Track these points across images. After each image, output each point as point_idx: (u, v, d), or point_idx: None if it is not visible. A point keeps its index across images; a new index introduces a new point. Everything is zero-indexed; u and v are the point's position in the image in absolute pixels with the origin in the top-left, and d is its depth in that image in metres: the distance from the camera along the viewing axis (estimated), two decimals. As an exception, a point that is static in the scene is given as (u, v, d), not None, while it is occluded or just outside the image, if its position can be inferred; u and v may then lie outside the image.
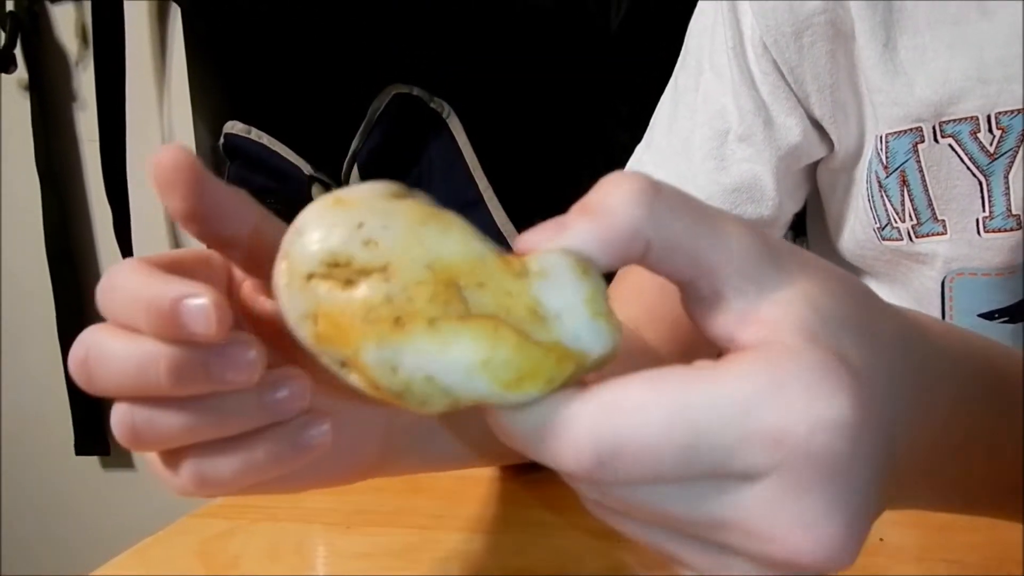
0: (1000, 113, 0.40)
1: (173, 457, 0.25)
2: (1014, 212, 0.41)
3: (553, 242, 0.19)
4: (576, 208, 0.20)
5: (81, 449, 1.18)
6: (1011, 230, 0.41)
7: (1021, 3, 0.39)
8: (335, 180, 1.07)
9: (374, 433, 0.31)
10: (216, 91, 1.09)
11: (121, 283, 0.23)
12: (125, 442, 0.24)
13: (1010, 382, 0.27)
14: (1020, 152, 0.40)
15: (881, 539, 0.36)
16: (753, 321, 0.19)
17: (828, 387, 0.17)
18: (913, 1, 0.41)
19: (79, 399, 1.16)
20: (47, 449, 1.21)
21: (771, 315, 0.19)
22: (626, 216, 0.19)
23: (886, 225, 0.45)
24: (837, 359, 0.18)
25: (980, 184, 0.41)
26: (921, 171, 0.43)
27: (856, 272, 0.49)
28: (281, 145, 1.05)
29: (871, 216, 0.45)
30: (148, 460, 0.26)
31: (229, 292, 0.28)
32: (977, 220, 0.42)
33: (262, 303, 0.27)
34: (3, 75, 1.08)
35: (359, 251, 0.19)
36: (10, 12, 1.08)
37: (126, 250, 1.08)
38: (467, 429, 0.36)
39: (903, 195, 0.44)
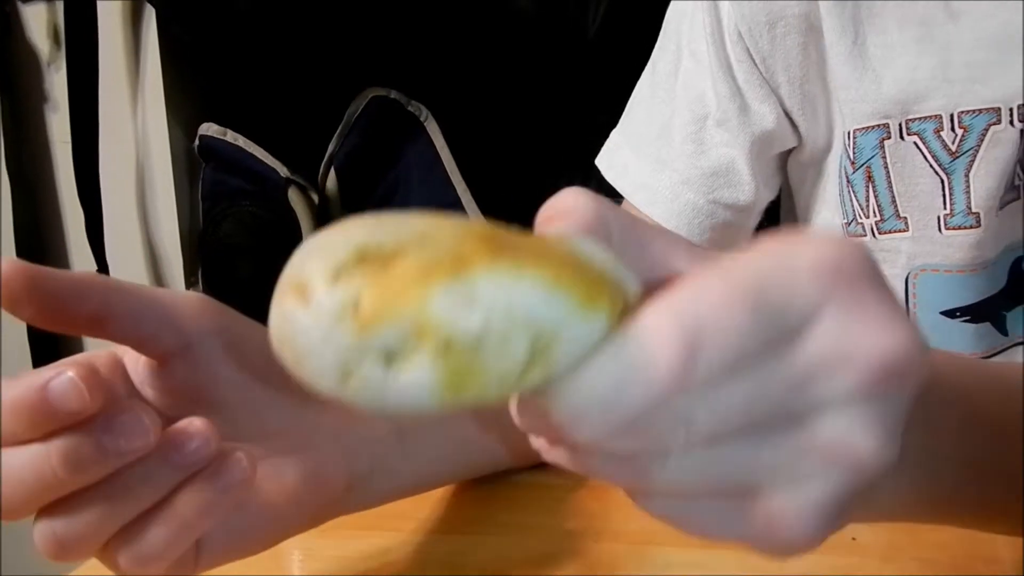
0: (963, 112, 0.41)
1: (106, 553, 0.24)
2: (974, 210, 0.42)
3: None
4: (541, 222, 0.20)
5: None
6: (971, 227, 0.42)
7: (986, 6, 0.40)
8: (312, 183, 1.07)
9: (336, 463, 0.31)
10: (191, 92, 1.08)
11: None
12: (54, 557, 0.24)
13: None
14: (980, 151, 0.41)
15: (853, 538, 0.37)
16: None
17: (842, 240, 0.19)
18: (882, 0, 0.42)
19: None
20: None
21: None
22: (588, 207, 0.19)
23: (851, 220, 0.46)
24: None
25: (942, 182, 0.42)
26: (886, 167, 0.44)
27: None
28: (257, 147, 1.05)
29: (843, 206, 0.46)
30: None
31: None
32: (938, 217, 0.43)
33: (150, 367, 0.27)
34: (-27, 75, 1.07)
35: (388, 237, 0.17)
36: (-19, 12, 1.07)
37: (98, 253, 1.07)
38: (442, 443, 0.37)
39: (868, 191, 0.45)
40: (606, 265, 0.18)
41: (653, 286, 0.18)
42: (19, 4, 1.09)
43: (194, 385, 0.28)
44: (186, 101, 1.08)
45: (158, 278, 1.11)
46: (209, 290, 1.12)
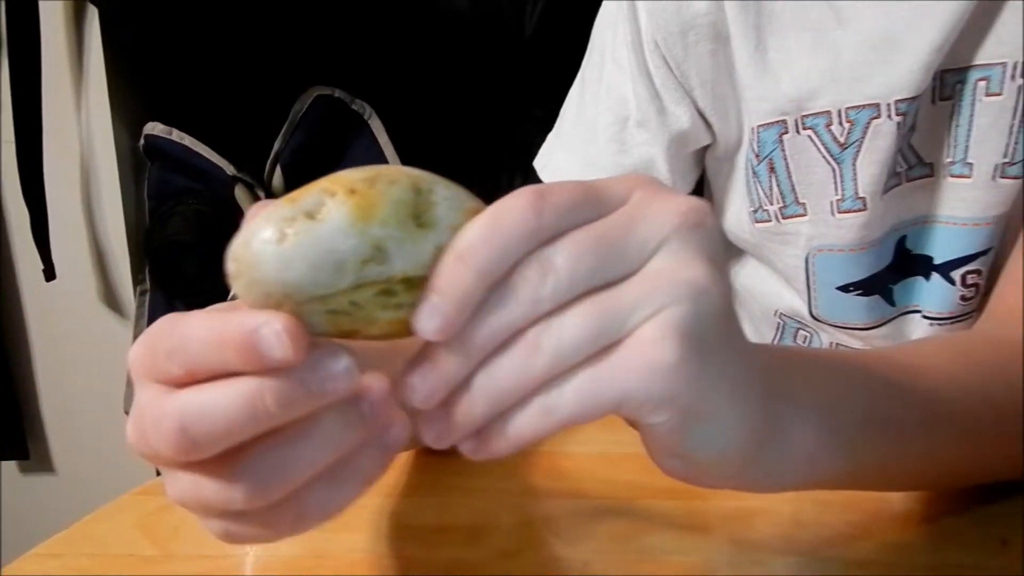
0: (848, 108, 0.45)
1: (283, 506, 0.24)
2: (861, 195, 0.46)
3: None
4: None
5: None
6: (859, 210, 0.47)
7: (869, 13, 0.45)
8: (258, 180, 1.08)
9: None
10: (135, 92, 1.09)
11: (186, 332, 0.23)
12: (247, 503, 0.23)
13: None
14: (864, 142, 0.45)
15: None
16: None
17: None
18: (780, 8, 0.47)
19: (-5, 404, 1.15)
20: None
21: None
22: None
23: (758, 208, 0.51)
24: None
25: (833, 171, 0.47)
26: (785, 159, 0.48)
27: (732, 252, 0.55)
28: (203, 146, 1.06)
29: (752, 196, 0.51)
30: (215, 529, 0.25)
31: None
32: (831, 202, 0.48)
33: None
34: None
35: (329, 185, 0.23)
36: (-82, 11, 1.06)
37: (44, 252, 1.07)
38: None
39: (771, 181, 0.49)
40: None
41: None
42: (-43, 4, 1.08)
43: None
44: (131, 100, 1.09)
45: (104, 277, 1.12)
46: (156, 288, 1.12)
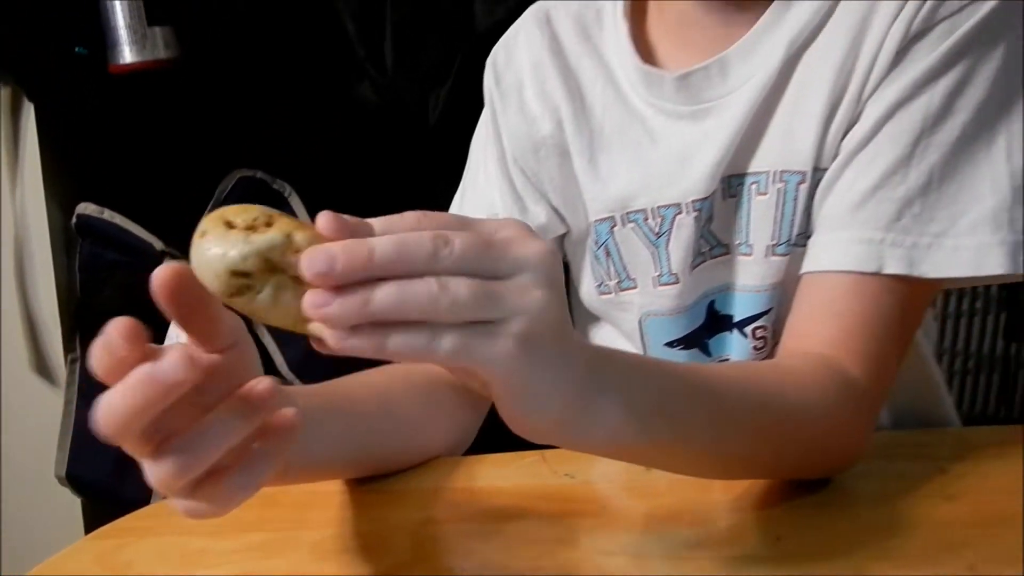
0: (659, 207, 0.59)
1: (212, 483, 0.34)
2: (674, 271, 0.59)
3: None
4: None
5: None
6: (674, 283, 0.60)
7: (673, 133, 0.58)
8: (184, 253, 1.17)
9: None
10: (68, 174, 1.17)
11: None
12: (161, 487, 0.34)
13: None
14: (672, 232, 0.59)
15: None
16: None
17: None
18: (608, 131, 0.61)
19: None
20: None
21: None
22: None
23: (601, 283, 0.63)
24: None
25: (652, 254, 0.60)
26: (617, 246, 0.61)
27: (592, 317, 0.68)
28: (133, 224, 1.14)
29: (596, 274, 0.64)
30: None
31: None
32: (653, 278, 0.60)
33: None
34: None
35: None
36: None
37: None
38: (347, 430, 0.49)
39: (608, 263, 0.62)
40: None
41: None
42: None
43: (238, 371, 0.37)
44: (64, 182, 1.17)
45: (37, 347, 1.18)
46: (86, 356, 1.19)
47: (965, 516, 0.47)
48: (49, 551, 0.55)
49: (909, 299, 0.52)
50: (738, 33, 0.56)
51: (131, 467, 1.09)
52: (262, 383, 0.35)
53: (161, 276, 0.35)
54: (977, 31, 0.50)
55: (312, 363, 1.10)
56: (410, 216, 0.33)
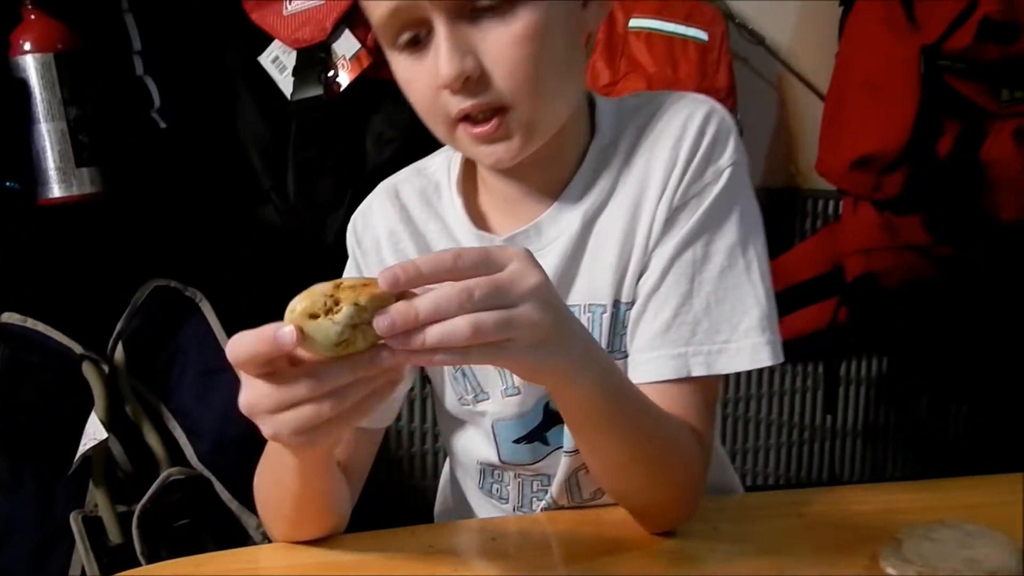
0: None
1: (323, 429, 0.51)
2: (516, 385, 0.74)
3: None
4: None
5: None
6: (516, 394, 0.74)
7: None
8: (102, 356, 1.29)
9: None
10: None
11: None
12: (291, 436, 0.52)
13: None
14: None
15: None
16: None
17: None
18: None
19: None
20: None
21: None
22: None
23: (461, 397, 0.77)
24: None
25: (499, 371, 0.70)
26: (471, 368, 0.75)
27: (456, 422, 0.81)
28: (54, 330, 1.25)
29: (456, 390, 0.77)
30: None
31: None
32: (501, 390, 0.73)
33: None
34: None
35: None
36: None
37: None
38: None
39: (464, 381, 0.76)
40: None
41: None
42: None
43: None
44: None
45: (-43, 445, 1.26)
46: (3, 455, 1.28)
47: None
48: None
49: (710, 389, 0.71)
50: (546, 205, 0.73)
51: (48, 557, 1.23)
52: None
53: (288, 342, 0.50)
54: (718, 199, 0.70)
55: (221, 455, 1.24)
56: (448, 256, 0.50)
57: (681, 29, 1.33)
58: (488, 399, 0.76)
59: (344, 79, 1.19)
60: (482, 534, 0.76)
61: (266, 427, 0.53)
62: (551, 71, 0.65)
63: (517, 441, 0.76)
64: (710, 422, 0.72)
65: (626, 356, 0.73)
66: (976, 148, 1.37)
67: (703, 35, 1.34)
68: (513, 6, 0.63)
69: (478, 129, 0.65)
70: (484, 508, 0.82)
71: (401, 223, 0.76)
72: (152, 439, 1.26)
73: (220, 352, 1.31)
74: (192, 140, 1.27)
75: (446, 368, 0.77)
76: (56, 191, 1.15)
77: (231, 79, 1.26)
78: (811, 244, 1.56)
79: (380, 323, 0.48)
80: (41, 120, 1.12)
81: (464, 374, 0.76)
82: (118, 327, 1.29)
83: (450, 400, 0.79)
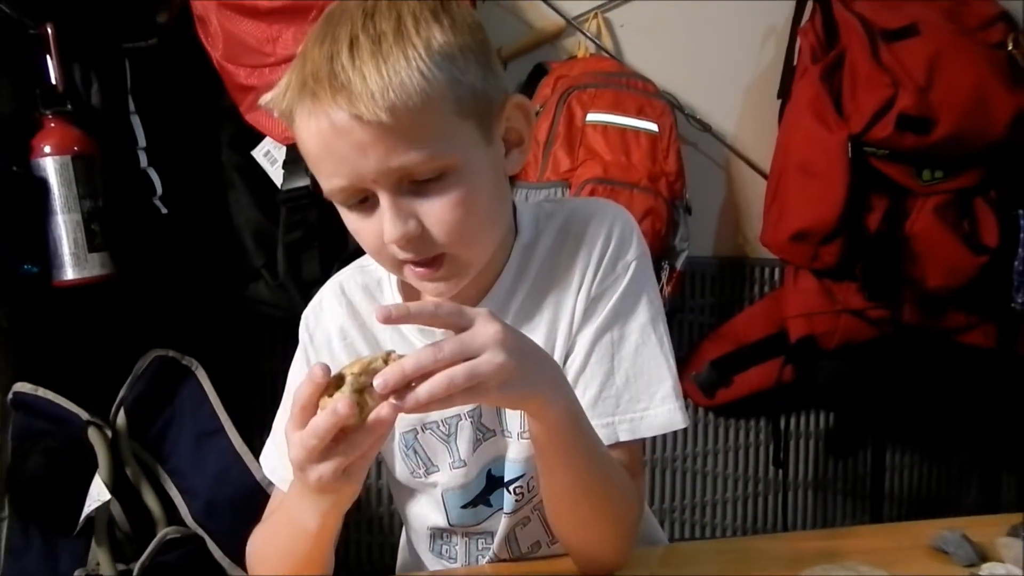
0: (445, 419, 0.80)
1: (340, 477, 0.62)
2: (462, 458, 0.80)
3: None
4: None
5: None
6: (463, 466, 0.80)
7: None
8: (106, 422, 1.39)
9: None
10: (7, 360, 1.38)
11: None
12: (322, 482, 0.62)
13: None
14: (457, 432, 0.80)
15: None
16: None
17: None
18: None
19: None
20: None
21: None
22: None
23: (413, 471, 0.82)
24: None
25: (446, 447, 0.81)
26: (422, 446, 0.81)
27: (408, 492, 0.86)
28: (62, 398, 1.35)
29: (408, 465, 0.83)
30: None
31: None
32: (448, 463, 0.81)
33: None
34: None
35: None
36: None
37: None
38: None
39: (416, 458, 0.82)
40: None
41: None
42: None
43: None
44: (3, 364, 1.38)
45: (-31, 507, 1.36)
46: (13, 516, 1.37)
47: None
48: None
49: (635, 452, 0.81)
50: (479, 296, 0.80)
51: None
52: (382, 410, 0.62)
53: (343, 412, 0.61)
54: (628, 287, 0.80)
55: (214, 514, 1.34)
56: (429, 304, 0.63)
57: (634, 122, 1.48)
58: (438, 471, 0.83)
59: (329, 171, 1.32)
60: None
61: (312, 475, 0.63)
62: (482, 222, 0.74)
63: (464, 507, 0.84)
64: (639, 488, 0.81)
65: None
66: (901, 222, 1.51)
67: (654, 127, 1.49)
68: (446, 178, 0.70)
69: (421, 270, 0.74)
70: (436, 567, 0.90)
71: (349, 319, 0.83)
72: (150, 499, 1.35)
73: (214, 416, 1.40)
74: (191, 224, 1.39)
75: (396, 446, 0.84)
76: (70, 274, 1.27)
77: (226, 170, 1.40)
78: (758, 308, 1.69)
79: (377, 383, 0.60)
80: (58, 212, 1.25)
81: (416, 451, 0.84)
82: (120, 394, 1.39)
83: (402, 473, 0.85)
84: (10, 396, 1.36)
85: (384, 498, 1.58)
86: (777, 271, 1.70)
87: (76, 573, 1.28)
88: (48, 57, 1.25)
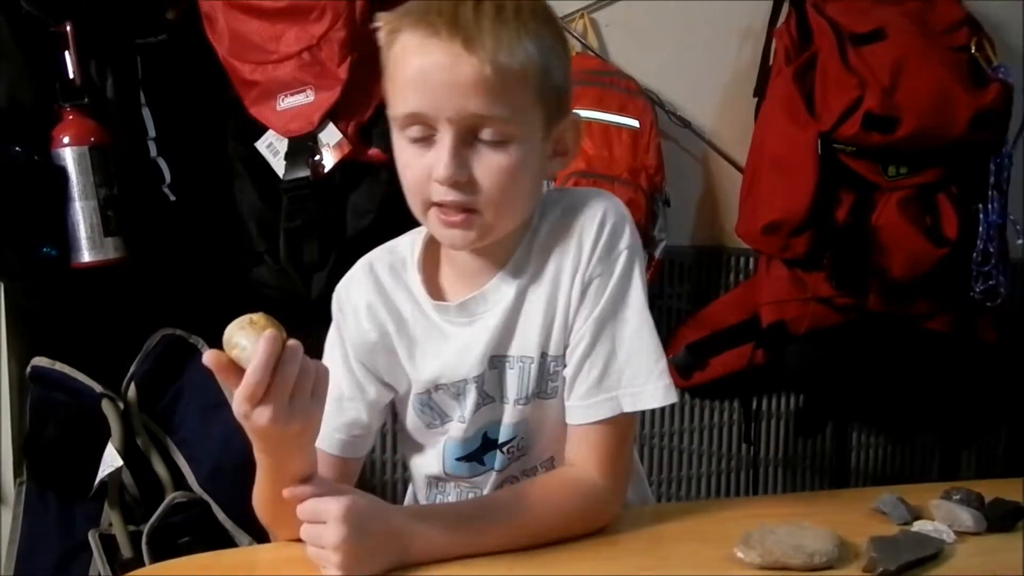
0: (454, 381, 0.88)
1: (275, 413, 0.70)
2: (464, 416, 0.90)
3: None
4: None
5: None
6: (463, 423, 0.89)
7: (461, 332, 0.91)
8: (118, 394, 1.48)
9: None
10: (26, 333, 1.47)
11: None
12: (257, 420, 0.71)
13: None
14: (464, 395, 0.88)
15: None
16: None
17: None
18: (419, 335, 0.92)
19: None
20: None
21: None
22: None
23: (431, 422, 0.92)
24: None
25: (457, 403, 0.89)
26: (436, 402, 0.90)
27: (415, 447, 0.96)
28: (78, 372, 1.44)
29: (423, 419, 0.95)
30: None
31: None
32: (458, 416, 0.90)
33: None
34: None
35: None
36: None
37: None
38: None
39: (432, 411, 0.91)
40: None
41: None
42: None
43: None
44: (21, 339, 1.47)
45: (-8, 472, 1.45)
46: (31, 479, 1.47)
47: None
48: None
49: (630, 424, 0.90)
50: (491, 276, 0.89)
51: (69, 569, 1.47)
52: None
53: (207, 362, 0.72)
54: (623, 275, 0.88)
55: (218, 480, 1.43)
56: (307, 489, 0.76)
57: (616, 119, 1.57)
58: (451, 420, 0.92)
59: (328, 162, 1.41)
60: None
61: (259, 418, 0.71)
62: (517, 196, 0.84)
63: (459, 459, 0.94)
64: (630, 453, 0.92)
65: (551, 397, 0.91)
66: (868, 215, 1.60)
67: (635, 123, 1.58)
68: (506, 146, 0.81)
69: (447, 217, 0.83)
70: None
71: (376, 293, 0.92)
72: (159, 466, 1.43)
73: (219, 391, 1.44)
74: (198, 211, 1.47)
75: (411, 403, 0.95)
76: (87, 257, 1.36)
77: (231, 160, 1.48)
78: (733, 295, 1.78)
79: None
80: (76, 199, 1.33)
81: (431, 407, 0.94)
82: (131, 369, 1.48)
83: (412, 423, 0.95)
84: (29, 369, 1.45)
85: (388, 470, 1.66)
86: (751, 260, 1.77)
87: (91, 532, 1.36)
88: (67, 53, 1.33)
